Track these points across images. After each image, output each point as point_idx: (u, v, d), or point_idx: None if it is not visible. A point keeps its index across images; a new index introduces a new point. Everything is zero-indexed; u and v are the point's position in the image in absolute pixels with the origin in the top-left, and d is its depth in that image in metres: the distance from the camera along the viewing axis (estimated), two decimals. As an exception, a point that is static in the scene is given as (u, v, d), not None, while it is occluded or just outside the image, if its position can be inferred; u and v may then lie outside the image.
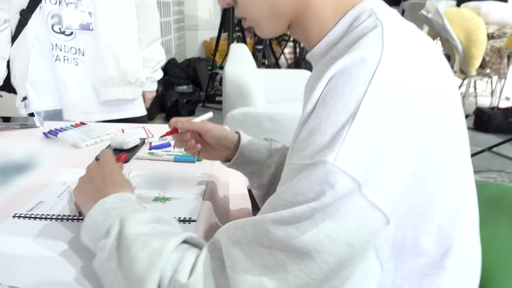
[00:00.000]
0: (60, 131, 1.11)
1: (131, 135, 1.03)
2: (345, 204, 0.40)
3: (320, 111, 0.44)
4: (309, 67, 5.52)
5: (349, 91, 0.42)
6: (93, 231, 0.53)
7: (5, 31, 1.29)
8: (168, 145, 1.07)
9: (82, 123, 1.19)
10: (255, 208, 0.87)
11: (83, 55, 1.33)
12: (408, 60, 0.45)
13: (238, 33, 4.07)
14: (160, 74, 1.59)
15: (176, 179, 0.87)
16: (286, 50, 5.76)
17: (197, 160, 0.97)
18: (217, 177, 0.92)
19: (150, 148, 1.04)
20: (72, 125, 1.17)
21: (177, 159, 0.97)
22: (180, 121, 0.71)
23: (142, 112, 1.53)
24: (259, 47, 4.07)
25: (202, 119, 0.75)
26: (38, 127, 1.14)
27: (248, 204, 0.99)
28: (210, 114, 0.76)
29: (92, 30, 1.30)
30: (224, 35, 4.15)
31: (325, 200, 0.40)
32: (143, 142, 1.08)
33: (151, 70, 1.53)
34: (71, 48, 1.32)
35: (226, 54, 3.13)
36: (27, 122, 1.17)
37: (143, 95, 1.54)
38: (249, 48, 3.72)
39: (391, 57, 0.43)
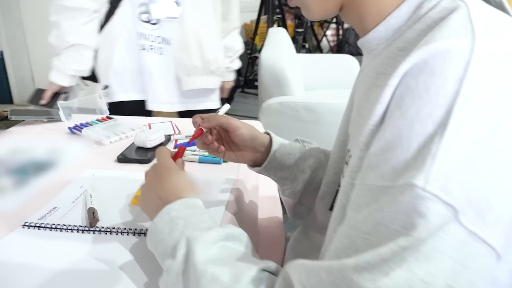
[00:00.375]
0: (85, 126, 1.07)
1: (155, 132, 0.97)
2: (440, 237, 0.32)
3: (398, 119, 0.36)
4: (352, 50, 5.29)
5: (436, 94, 0.34)
6: (158, 243, 0.50)
7: (94, 21, 1.30)
8: (193, 143, 1.00)
9: (109, 117, 1.15)
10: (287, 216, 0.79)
11: (168, 44, 1.33)
12: (508, 51, 0.36)
13: (279, 16, 3.93)
14: (238, 64, 1.56)
15: (198, 183, 0.80)
16: (329, 33, 5.54)
17: (224, 162, 0.90)
18: (245, 180, 0.85)
19: (175, 147, 0.98)
20: (98, 120, 1.13)
21: (202, 160, 0.90)
22: (202, 117, 0.65)
23: (218, 104, 1.52)
24: (300, 30, 3.92)
25: (219, 113, 0.68)
26: (63, 121, 1.10)
27: (279, 212, 0.92)
28: (227, 106, 0.71)
29: (178, 18, 1.29)
30: (264, 17, 4.03)
31: (417, 235, 0.32)
32: (168, 139, 1.02)
33: (230, 59, 1.51)
34: (157, 37, 1.32)
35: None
36: (54, 115, 1.13)
37: (222, 85, 1.53)
38: (290, 31, 3.58)
39: (487, 48, 0.35)
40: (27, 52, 3.85)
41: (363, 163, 0.39)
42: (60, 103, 1.08)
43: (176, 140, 1.03)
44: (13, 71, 3.92)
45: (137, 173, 0.85)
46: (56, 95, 1.30)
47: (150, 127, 1.11)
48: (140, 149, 0.95)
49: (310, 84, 2.54)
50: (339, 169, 0.60)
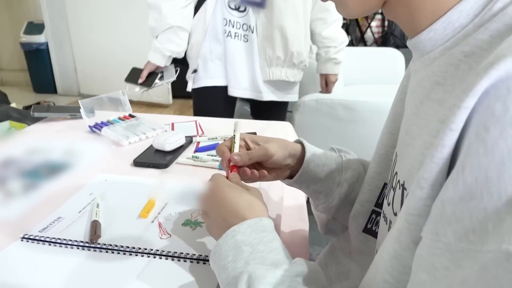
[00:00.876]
0: (106, 125, 1.03)
1: (175, 134, 0.91)
2: None
3: (482, 157, 0.28)
4: (398, 43, 5.04)
5: None
6: (221, 270, 0.45)
7: (191, 5, 1.37)
8: (215, 146, 0.92)
9: (131, 116, 1.10)
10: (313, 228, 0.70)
11: (253, 32, 1.35)
12: None
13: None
14: (343, 56, 1.54)
15: None
16: (373, 24, 5.32)
17: None
18: (268, 189, 0.78)
19: (196, 150, 0.91)
20: (120, 118, 1.08)
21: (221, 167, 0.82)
22: (235, 156, 0.59)
23: (295, 98, 1.54)
24: (343, 21, 3.76)
25: (236, 135, 0.62)
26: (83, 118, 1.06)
27: (305, 225, 0.82)
28: (240, 123, 0.65)
29: (264, 8, 1.31)
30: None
31: None
32: (189, 141, 0.96)
33: (335, 50, 1.50)
34: (243, 24, 1.36)
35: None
36: (76, 112, 1.10)
37: (326, 78, 1.55)
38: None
39: None
40: (70, 44, 3.93)
41: (429, 209, 0.32)
42: (81, 102, 1.03)
43: (198, 143, 0.96)
44: (57, 62, 4.02)
45: (152, 179, 0.79)
46: (152, 75, 1.34)
47: (173, 128, 1.05)
48: (158, 152, 0.89)
49: (350, 79, 2.41)
50: (376, 187, 0.55)
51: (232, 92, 1.45)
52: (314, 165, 0.62)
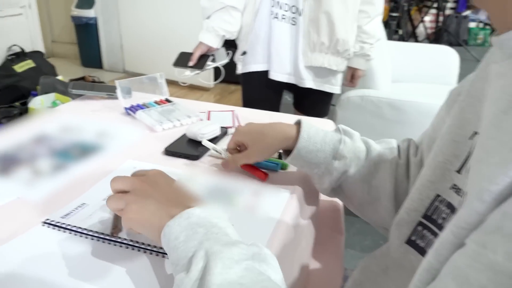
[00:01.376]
0: (141, 108, 1.00)
1: (210, 124, 0.87)
2: None
3: None
4: (452, 40, 4.77)
5: None
6: (172, 250, 0.44)
7: None
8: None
9: (168, 100, 1.07)
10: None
11: (300, 15, 1.32)
12: None
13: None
14: (375, 53, 1.50)
15: (247, 193, 0.69)
16: (427, 18, 5.06)
17: (281, 169, 0.77)
18: (304, 190, 0.72)
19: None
20: (156, 102, 1.05)
21: (257, 163, 0.77)
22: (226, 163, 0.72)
23: (338, 90, 1.49)
24: (395, 14, 3.58)
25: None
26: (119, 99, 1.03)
27: (341, 237, 0.78)
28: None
29: None
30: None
31: None
32: (224, 132, 0.92)
33: (370, 46, 1.45)
34: (292, 6, 1.33)
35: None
36: (113, 92, 1.08)
37: (353, 72, 1.50)
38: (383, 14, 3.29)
39: None
40: (118, 20, 3.98)
41: (483, 219, 0.30)
42: (118, 82, 1.01)
43: None
44: (104, 38, 4.09)
45: (181, 170, 0.76)
46: (203, 57, 1.32)
47: (209, 117, 1.01)
48: (191, 142, 0.85)
49: (398, 75, 2.28)
50: (426, 196, 0.51)
51: (274, 75, 1.42)
52: (306, 151, 0.64)
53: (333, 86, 1.48)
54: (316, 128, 0.66)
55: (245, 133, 0.71)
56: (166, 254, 0.52)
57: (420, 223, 0.51)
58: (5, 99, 2.47)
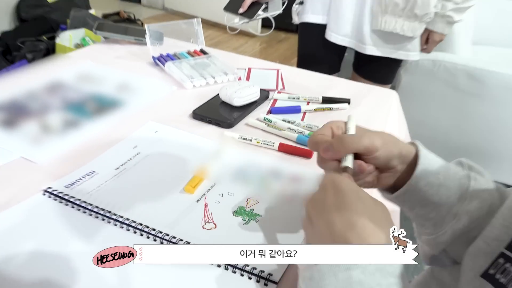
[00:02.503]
0: (172, 59, 0.95)
1: (249, 86, 0.81)
2: None
3: None
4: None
5: None
6: None
7: None
8: (298, 110, 0.81)
9: (203, 52, 1.01)
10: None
11: None
12: None
13: None
14: (460, 17, 1.35)
15: (285, 177, 0.64)
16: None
17: None
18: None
19: (270, 110, 0.81)
20: (189, 52, 1.00)
21: (300, 140, 0.72)
22: (328, 144, 0.51)
23: (415, 56, 1.36)
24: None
25: (350, 129, 0.52)
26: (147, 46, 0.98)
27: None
28: (353, 122, 0.54)
29: None
30: None
31: None
32: (265, 96, 0.86)
33: (454, 6, 1.30)
34: None
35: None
36: (142, 37, 1.02)
37: (430, 35, 1.36)
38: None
39: None
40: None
41: None
42: (148, 26, 0.95)
43: (275, 101, 0.85)
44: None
45: (211, 140, 0.71)
46: (255, 5, 1.26)
47: (248, 75, 0.94)
48: (225, 105, 0.80)
49: (482, 37, 2.07)
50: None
51: (330, 35, 1.32)
52: (425, 183, 0.53)
53: (408, 53, 1.35)
54: (433, 156, 0.56)
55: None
56: (173, 243, 0.49)
57: (502, 255, 0.45)
58: (33, 32, 2.49)
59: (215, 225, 0.53)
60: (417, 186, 0.53)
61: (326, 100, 0.86)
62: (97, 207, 0.54)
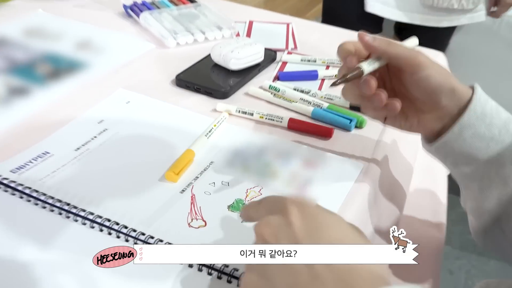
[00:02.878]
0: (148, 8, 0.96)
1: (249, 44, 0.83)
2: None
3: None
4: None
5: None
6: None
7: None
8: (314, 76, 0.83)
9: (192, 0, 1.01)
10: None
11: None
12: None
13: None
14: None
15: (296, 161, 0.65)
16: None
17: (356, 127, 0.73)
18: (392, 162, 0.71)
19: (278, 76, 0.83)
20: (171, 0, 1.00)
21: (317, 115, 0.74)
22: (373, 38, 0.58)
23: (481, 17, 1.42)
24: None
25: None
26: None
27: (441, 231, 0.79)
28: (415, 41, 0.64)
29: None
30: None
31: None
32: (271, 58, 0.88)
33: None
34: None
35: None
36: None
37: None
38: None
39: None
40: None
41: None
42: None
43: (284, 64, 0.86)
44: None
45: (201, 115, 0.73)
46: None
47: (249, 31, 0.95)
48: (219, 69, 0.82)
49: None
50: None
51: (370, 6, 1.38)
52: (472, 134, 0.58)
53: (475, 14, 1.38)
54: (496, 106, 0.60)
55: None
56: (150, 243, 0.51)
57: None
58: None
59: (205, 223, 0.55)
60: (461, 136, 0.57)
61: (352, 63, 0.87)
62: (52, 197, 0.55)
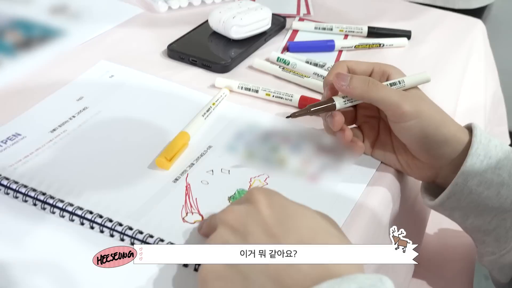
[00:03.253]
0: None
1: (255, 8, 0.83)
2: None
3: None
4: None
5: None
6: None
7: None
8: (330, 47, 0.85)
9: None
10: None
11: None
12: None
13: None
14: None
15: (307, 147, 0.67)
16: None
17: None
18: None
19: (287, 47, 0.84)
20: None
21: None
22: (350, 80, 0.60)
23: None
24: None
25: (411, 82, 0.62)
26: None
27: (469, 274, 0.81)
28: (426, 76, 0.64)
29: None
30: None
31: None
32: (280, 26, 0.89)
33: None
34: None
35: None
36: None
37: None
38: None
39: None
40: None
41: None
42: None
43: (295, 32, 0.87)
44: None
45: (197, 92, 0.74)
46: None
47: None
48: (218, 38, 0.84)
49: None
50: None
51: None
52: (479, 182, 0.58)
53: None
54: (500, 144, 0.61)
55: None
56: (138, 239, 0.52)
57: None
58: None
59: (202, 217, 0.56)
60: (466, 186, 0.58)
61: (374, 32, 0.88)
62: (25, 186, 0.56)
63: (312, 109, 0.60)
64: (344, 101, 0.60)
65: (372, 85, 0.58)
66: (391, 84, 0.61)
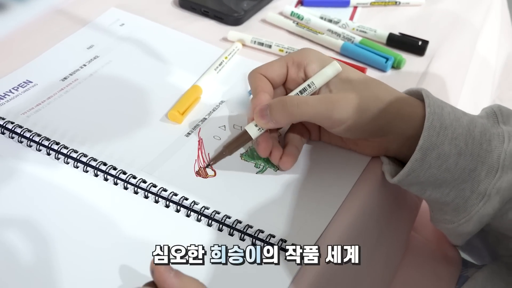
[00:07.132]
0: None
1: None
2: None
3: None
4: None
5: None
6: None
7: None
8: (345, 2, 0.87)
9: None
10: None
11: None
12: None
13: None
14: None
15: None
16: None
17: (394, 67, 0.75)
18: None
19: (302, 2, 0.85)
20: None
21: (347, 51, 0.76)
22: (264, 107, 0.58)
23: None
24: None
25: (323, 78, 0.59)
26: None
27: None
28: (336, 68, 0.59)
29: None
30: None
31: None
32: None
33: None
34: None
35: None
36: None
37: None
38: None
39: None
40: None
41: None
42: None
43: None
44: None
45: (209, 44, 0.75)
46: None
47: None
48: None
49: None
50: None
51: None
52: (437, 154, 0.57)
53: None
54: (453, 110, 0.60)
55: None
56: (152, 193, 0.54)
57: None
58: None
59: (214, 172, 0.58)
60: (425, 161, 0.57)
61: (391, -12, 0.88)
62: (38, 135, 0.58)
63: (227, 150, 0.58)
64: (258, 129, 0.57)
65: (291, 108, 0.56)
66: (301, 91, 0.59)
